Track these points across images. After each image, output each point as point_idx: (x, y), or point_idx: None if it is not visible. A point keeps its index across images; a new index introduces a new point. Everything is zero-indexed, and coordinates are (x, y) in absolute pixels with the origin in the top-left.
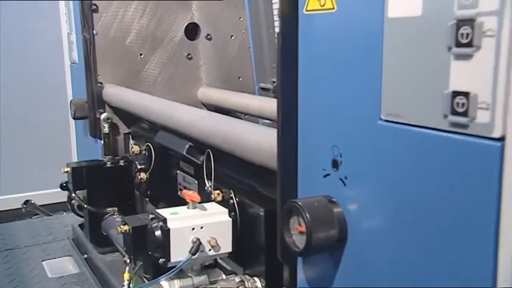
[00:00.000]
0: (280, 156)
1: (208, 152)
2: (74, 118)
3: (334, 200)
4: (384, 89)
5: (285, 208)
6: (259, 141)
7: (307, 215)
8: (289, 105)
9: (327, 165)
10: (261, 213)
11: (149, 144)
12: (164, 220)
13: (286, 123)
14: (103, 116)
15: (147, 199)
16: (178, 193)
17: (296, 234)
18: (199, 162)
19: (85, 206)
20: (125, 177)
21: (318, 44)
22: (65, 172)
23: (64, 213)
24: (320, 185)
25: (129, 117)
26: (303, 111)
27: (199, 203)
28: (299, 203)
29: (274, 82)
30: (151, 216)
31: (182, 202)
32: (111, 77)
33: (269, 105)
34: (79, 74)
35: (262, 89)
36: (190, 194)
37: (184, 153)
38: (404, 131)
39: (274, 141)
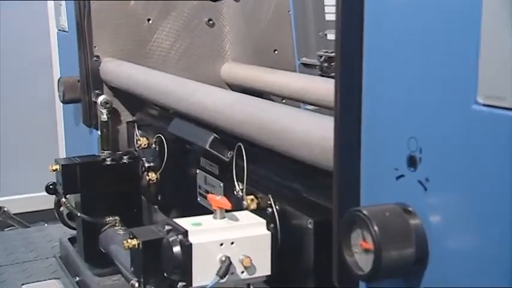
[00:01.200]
0: (337, 151)
1: (239, 145)
2: (62, 102)
3: (410, 208)
4: (481, 65)
5: (344, 219)
6: (309, 132)
7: (376, 228)
8: (350, 86)
9: (400, 164)
10: (310, 225)
11: (160, 135)
12: (185, 233)
13: (346, 109)
14: (100, 99)
15: (156, 207)
16: (198, 199)
17: (360, 253)
18: (227, 159)
19: (78, 214)
20: (129, 178)
21: (393, 6)
22: (53, 171)
23: (46, 225)
24: (391, 189)
25: (133, 100)
26: (368, 93)
27: (229, 211)
28: (364, 212)
29: (321, 56)
30: (167, 227)
31: (203, 211)
32: (110, 48)
33: (314, 85)
34: (69, 45)
35: (305, 64)
36: (218, 200)
37: (207, 147)
38: (507, 118)
39: (328, 132)
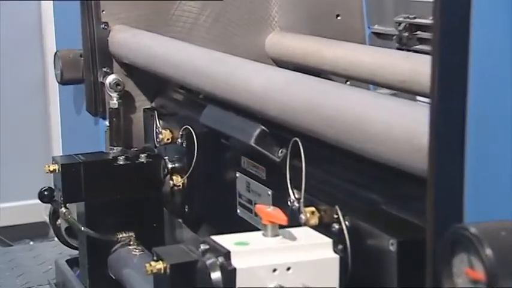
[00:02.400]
0: (434, 150)
1: (296, 141)
2: (60, 82)
3: None
4: None
5: (443, 239)
6: (392, 125)
7: (488, 252)
8: (452, 64)
9: None
10: (392, 247)
11: (189, 127)
12: (227, 254)
13: (446, 96)
14: (109, 79)
15: (180, 220)
16: (238, 211)
17: (465, 283)
18: (278, 159)
19: (81, 228)
20: (147, 183)
21: None
22: (49, 172)
23: (31, 242)
24: (506, 200)
25: (152, 81)
26: (477, 74)
27: (283, 227)
28: (472, 231)
29: (399, 24)
30: (203, 246)
31: (244, 227)
32: (122, 14)
33: (391, 62)
34: (68, 8)
35: (378, 34)
36: (271, 212)
37: (251, 143)
38: None
39: (420, 125)
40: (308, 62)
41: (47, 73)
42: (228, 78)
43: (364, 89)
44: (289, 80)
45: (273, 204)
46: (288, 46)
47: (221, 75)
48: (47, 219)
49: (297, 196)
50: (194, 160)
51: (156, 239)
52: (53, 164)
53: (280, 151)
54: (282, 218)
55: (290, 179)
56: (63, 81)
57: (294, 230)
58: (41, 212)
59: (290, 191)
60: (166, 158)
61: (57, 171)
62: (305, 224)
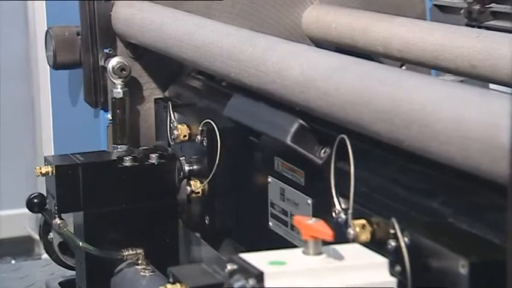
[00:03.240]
0: None
1: (343, 139)
2: (53, 66)
3: None
4: None
5: None
6: (463, 120)
7: None
8: None
9: None
10: (463, 269)
11: (210, 121)
12: (259, 276)
13: None
14: (113, 62)
15: (198, 234)
16: (270, 224)
17: None
18: (320, 161)
19: (79, 244)
20: (159, 190)
21: None
22: (41, 175)
23: (13, 261)
24: None
25: (165, 65)
26: None
27: (328, 243)
28: None
29: None
30: (230, 266)
31: (278, 243)
32: None
33: (458, 42)
34: None
35: (441, 7)
36: (313, 225)
37: (287, 141)
38: None
39: (497, 120)
40: (355, 42)
41: (31, 55)
42: (258, 61)
43: (425, 75)
44: (334, 65)
45: (314, 216)
46: (330, 22)
47: (249, 57)
48: (31, 232)
49: (343, 206)
50: (217, 161)
51: (169, 257)
52: (45, 166)
53: (323, 151)
54: (326, 232)
55: (335, 185)
56: (56, 65)
57: (340, 248)
58: (23, 224)
59: (335, 199)
60: (182, 158)
61: (50, 174)
62: (354, 240)
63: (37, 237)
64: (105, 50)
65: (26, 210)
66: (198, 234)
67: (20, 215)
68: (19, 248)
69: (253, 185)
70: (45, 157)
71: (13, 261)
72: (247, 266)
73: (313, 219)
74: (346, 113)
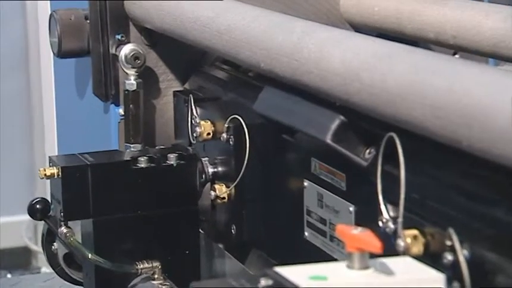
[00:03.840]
0: None
1: (391, 138)
2: (58, 54)
3: None
4: None
5: None
6: None
7: None
8: None
9: None
10: None
11: (238, 117)
12: None
13: None
14: (126, 50)
15: (221, 246)
16: (306, 234)
17: None
18: (364, 162)
19: (88, 255)
20: (178, 195)
21: None
22: (45, 177)
23: (9, 275)
24: None
25: (185, 53)
26: None
27: (375, 256)
28: None
29: None
30: (264, 282)
31: (316, 255)
32: None
33: None
34: None
35: None
36: (359, 236)
37: (327, 139)
38: None
39: None
40: (401, 28)
41: (31, 41)
42: (292, 49)
43: (486, 65)
44: (380, 52)
45: (357, 225)
46: (372, 5)
47: (282, 45)
48: (29, 243)
49: (392, 214)
50: (245, 163)
51: (189, 271)
52: (50, 167)
53: (367, 151)
54: (374, 243)
55: (382, 190)
56: (61, 53)
57: (389, 261)
58: (20, 233)
59: (382, 206)
60: (205, 159)
61: (55, 176)
62: (405, 253)
63: (35, 247)
64: (117, 36)
65: (23, 218)
66: (221, 246)
67: (15, 223)
68: (15, 260)
69: (287, 190)
70: (49, 157)
71: (9, 275)
72: (284, 281)
73: (359, 228)
74: (395, 108)
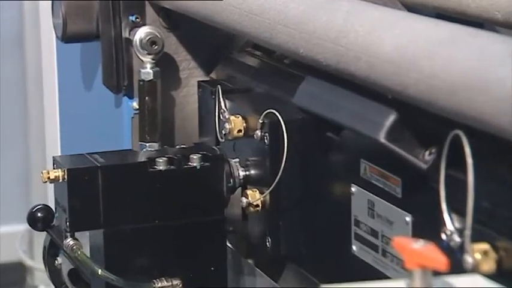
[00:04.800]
0: None
1: (457, 136)
2: (62, 38)
3: None
4: None
5: None
6: None
7: None
8: None
9: None
10: None
11: (274, 112)
12: None
13: None
14: (141, 34)
15: (251, 261)
16: (354, 248)
17: None
18: (424, 165)
19: (98, 271)
20: (202, 202)
21: None
22: (49, 181)
23: None
24: None
25: (210, 37)
26: None
27: (439, 274)
28: None
29: None
30: None
31: (365, 273)
32: None
33: None
34: None
35: None
36: (421, 250)
37: (380, 138)
38: None
39: None
40: (463, 7)
41: (26, 24)
42: (336, 33)
43: None
44: (441, 36)
45: (415, 237)
46: None
47: (325, 28)
48: (23, 256)
49: (457, 225)
50: (282, 165)
51: None
52: (54, 169)
53: (427, 152)
54: (440, 260)
55: (446, 197)
56: (66, 37)
57: (456, 280)
58: (14, 246)
59: (446, 216)
60: (235, 160)
61: (60, 179)
62: (474, 271)
63: (30, 263)
64: (131, 18)
65: (17, 227)
66: (250, 261)
67: (8, 235)
68: (7, 277)
69: (331, 197)
70: (53, 158)
71: None
72: None
73: (421, 242)
74: (458, 102)
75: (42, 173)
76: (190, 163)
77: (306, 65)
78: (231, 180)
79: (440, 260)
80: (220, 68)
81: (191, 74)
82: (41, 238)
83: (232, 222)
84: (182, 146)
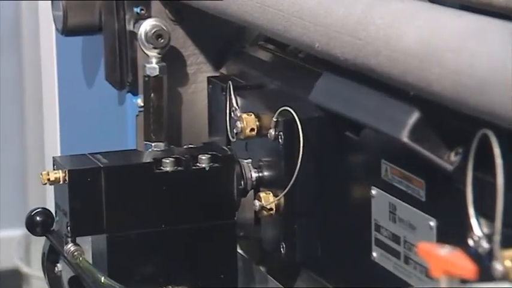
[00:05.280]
0: None
1: (485, 136)
2: (62, 31)
3: None
4: None
5: None
6: None
7: None
8: None
9: None
10: None
11: (289, 109)
12: None
13: None
14: (146, 26)
15: (263, 269)
16: (374, 254)
17: None
18: (450, 166)
19: (101, 279)
20: (211, 205)
21: None
22: (49, 182)
23: None
24: None
25: (219, 30)
26: None
27: (467, 282)
28: None
29: None
30: None
31: (385, 281)
32: None
33: None
34: None
35: None
36: (447, 257)
37: (403, 137)
38: None
39: None
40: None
41: (24, 13)
42: (355, 25)
43: None
44: (467, 28)
45: (439, 243)
46: None
47: (342, 20)
48: (19, 263)
49: (486, 231)
50: (298, 166)
51: None
52: (55, 170)
53: (453, 152)
54: (467, 267)
55: (473, 201)
56: (66, 30)
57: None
58: (10, 252)
59: (474, 220)
60: (247, 161)
61: (61, 181)
62: (504, 278)
63: (27, 270)
64: (136, 9)
65: (13, 232)
66: (262, 268)
67: (3, 240)
68: (3, 284)
69: (350, 200)
70: (54, 158)
71: None
72: None
73: (447, 248)
74: (487, 99)
75: (41, 174)
76: (198, 164)
77: (322, 60)
78: (242, 182)
79: (468, 268)
80: (231, 63)
81: (199, 69)
82: (38, 244)
83: (244, 226)
84: (190, 145)
